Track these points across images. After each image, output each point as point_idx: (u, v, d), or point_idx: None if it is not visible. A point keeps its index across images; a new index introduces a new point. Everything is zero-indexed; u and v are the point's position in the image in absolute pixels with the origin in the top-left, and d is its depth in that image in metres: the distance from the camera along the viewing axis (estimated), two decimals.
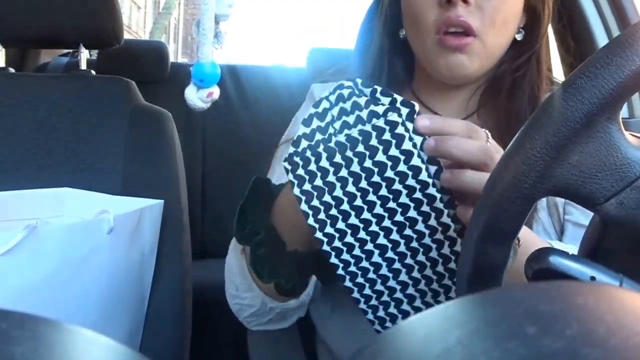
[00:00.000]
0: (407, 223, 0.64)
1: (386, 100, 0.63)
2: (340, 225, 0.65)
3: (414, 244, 0.65)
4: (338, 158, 0.64)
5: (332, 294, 0.90)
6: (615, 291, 0.33)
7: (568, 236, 0.85)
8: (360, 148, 0.63)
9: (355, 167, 0.63)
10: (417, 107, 0.64)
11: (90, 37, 1.35)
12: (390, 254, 0.66)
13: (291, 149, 0.67)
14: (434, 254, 0.65)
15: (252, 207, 0.78)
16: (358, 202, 0.64)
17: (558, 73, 0.98)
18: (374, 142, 0.62)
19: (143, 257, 1.09)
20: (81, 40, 1.36)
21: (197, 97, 0.77)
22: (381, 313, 0.70)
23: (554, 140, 0.43)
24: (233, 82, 2.29)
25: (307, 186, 0.65)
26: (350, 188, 0.64)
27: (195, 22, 0.76)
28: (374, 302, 0.69)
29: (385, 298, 0.69)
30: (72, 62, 2.25)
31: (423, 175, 0.62)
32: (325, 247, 0.67)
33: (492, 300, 0.30)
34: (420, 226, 0.64)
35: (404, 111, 0.63)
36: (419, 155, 0.62)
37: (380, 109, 0.63)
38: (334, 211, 0.65)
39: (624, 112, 1.24)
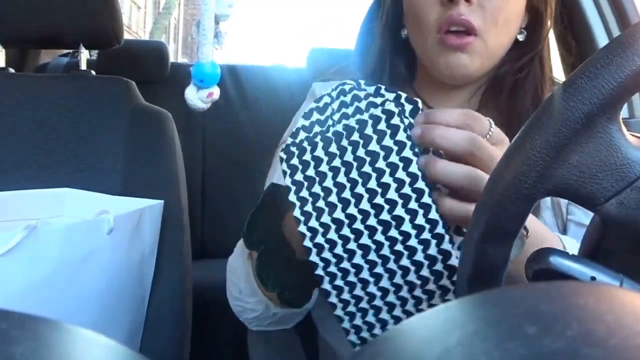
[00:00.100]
0: (394, 222, 0.62)
1: (390, 96, 0.63)
2: (326, 219, 0.64)
3: (399, 247, 0.63)
4: (333, 148, 0.63)
5: None
6: (616, 291, 0.33)
7: (571, 236, 0.85)
8: (355, 137, 0.62)
9: (349, 156, 0.62)
10: (420, 105, 0.64)
11: (90, 37, 1.35)
12: (372, 256, 0.63)
13: (289, 140, 0.67)
14: (419, 256, 0.63)
15: (264, 213, 0.77)
16: (346, 194, 0.62)
17: (558, 73, 0.98)
18: (369, 130, 0.62)
19: (143, 257, 1.09)
20: (81, 40, 1.36)
21: (197, 97, 0.77)
22: (358, 321, 0.67)
23: (554, 140, 0.43)
24: (233, 82, 2.29)
25: (299, 176, 0.65)
26: (341, 178, 0.63)
27: (196, 22, 0.76)
28: (351, 308, 0.66)
29: (364, 305, 0.66)
30: (72, 63, 2.25)
31: (413, 168, 0.61)
32: (308, 243, 0.65)
33: (492, 300, 0.30)
34: (406, 226, 0.62)
35: (408, 107, 0.63)
36: (411, 147, 0.61)
37: (378, 100, 0.63)
38: (321, 203, 0.64)
39: (624, 112, 1.24)
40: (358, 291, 0.65)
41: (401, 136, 0.61)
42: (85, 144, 1.27)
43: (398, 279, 0.64)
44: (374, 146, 0.61)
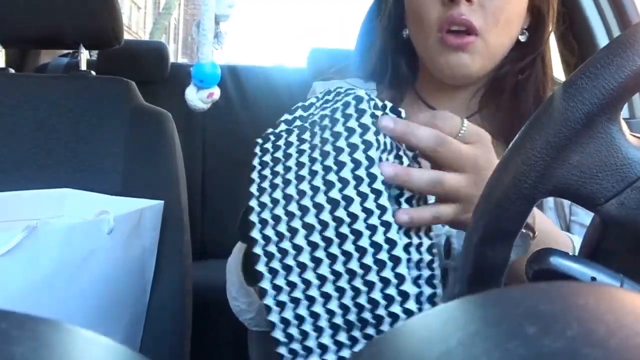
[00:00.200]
0: (349, 220, 0.60)
1: (372, 104, 0.63)
2: (280, 211, 0.62)
3: (344, 229, 0.60)
4: (307, 135, 0.64)
5: None
6: (616, 291, 0.33)
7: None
8: (327, 134, 0.62)
9: (316, 153, 0.62)
10: (403, 114, 0.64)
11: (90, 37, 1.35)
12: (316, 237, 0.61)
13: (269, 130, 0.67)
14: (364, 242, 0.60)
15: None
16: (304, 185, 0.61)
17: (558, 73, 0.98)
18: (339, 128, 0.61)
19: (143, 257, 1.09)
20: (81, 40, 1.36)
21: (197, 97, 0.77)
22: (288, 313, 0.64)
23: (554, 141, 0.43)
24: (233, 83, 2.29)
25: (267, 157, 0.65)
26: (304, 158, 0.62)
27: (196, 23, 0.76)
28: (283, 296, 0.63)
29: (297, 294, 0.63)
30: (72, 63, 2.25)
31: (375, 169, 0.60)
32: (256, 234, 0.63)
33: (492, 300, 0.30)
34: (355, 208, 0.60)
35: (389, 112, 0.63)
36: (377, 148, 0.60)
37: (353, 99, 0.63)
38: (278, 194, 0.63)
39: (624, 113, 1.24)
40: (294, 277, 0.62)
41: (370, 136, 0.60)
42: (85, 144, 1.27)
43: (339, 266, 0.61)
44: (341, 142, 0.61)
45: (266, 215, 0.63)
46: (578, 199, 0.46)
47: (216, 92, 0.78)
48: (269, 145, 0.66)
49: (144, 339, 1.13)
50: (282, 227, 0.62)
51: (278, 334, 0.63)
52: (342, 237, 0.60)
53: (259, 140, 0.67)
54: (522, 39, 0.89)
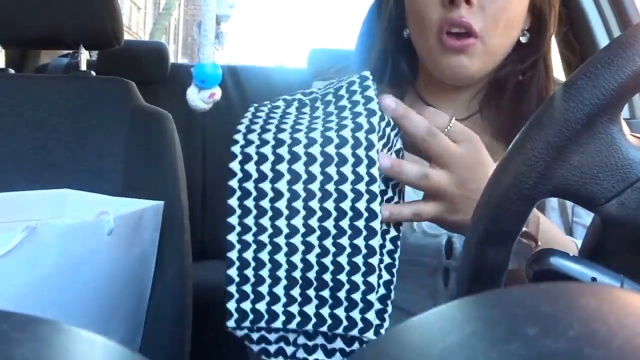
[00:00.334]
0: (337, 177, 0.60)
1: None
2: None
3: (330, 187, 0.60)
4: (306, 109, 0.65)
5: None
6: (617, 292, 0.33)
7: (577, 239, 0.84)
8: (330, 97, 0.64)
9: (319, 112, 0.64)
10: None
11: (90, 37, 1.35)
12: (298, 204, 0.60)
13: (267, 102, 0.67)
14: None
15: None
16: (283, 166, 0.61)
17: (558, 73, 0.98)
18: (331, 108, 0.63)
19: (143, 257, 1.09)
20: (81, 41, 1.36)
21: (198, 98, 0.77)
22: (248, 254, 0.62)
23: (554, 141, 0.43)
24: (234, 83, 2.29)
25: (255, 126, 0.65)
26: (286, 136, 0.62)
27: (197, 23, 0.76)
28: (248, 237, 0.62)
29: (262, 237, 0.62)
30: (72, 63, 2.25)
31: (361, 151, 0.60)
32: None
33: (492, 301, 0.30)
34: (345, 187, 0.60)
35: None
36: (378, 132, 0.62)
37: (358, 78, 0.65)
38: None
39: (624, 113, 1.24)
40: (264, 220, 0.61)
41: (362, 119, 0.61)
42: (85, 145, 1.27)
43: (313, 222, 0.61)
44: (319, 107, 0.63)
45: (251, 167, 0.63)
46: (578, 200, 0.46)
47: (217, 93, 0.78)
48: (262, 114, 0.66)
49: (144, 339, 1.13)
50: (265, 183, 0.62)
51: (232, 272, 0.62)
52: (326, 194, 0.61)
53: (251, 107, 0.68)
54: (523, 40, 0.88)
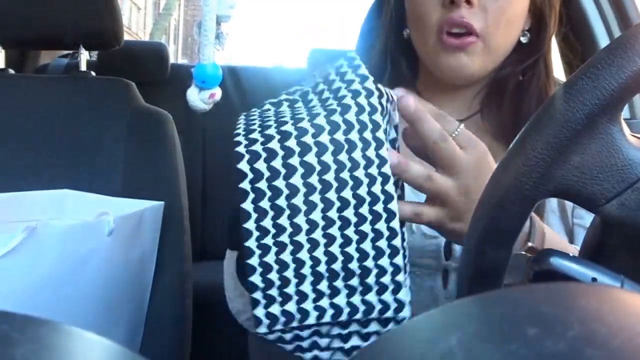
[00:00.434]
0: (350, 164, 0.59)
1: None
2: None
3: (345, 174, 0.59)
4: (299, 104, 0.64)
5: None
6: (617, 292, 0.33)
7: (579, 241, 0.84)
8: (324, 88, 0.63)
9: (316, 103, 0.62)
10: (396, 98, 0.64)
11: (90, 38, 1.35)
12: (315, 196, 0.59)
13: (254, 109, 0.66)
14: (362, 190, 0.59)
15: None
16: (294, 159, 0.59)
17: (558, 74, 0.98)
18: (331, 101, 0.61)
19: (143, 258, 1.09)
20: (81, 41, 1.36)
21: (199, 98, 0.77)
22: (270, 258, 0.60)
23: (555, 141, 0.43)
24: (234, 83, 2.29)
25: (256, 128, 0.63)
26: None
27: (197, 24, 0.76)
28: (267, 240, 0.60)
29: (283, 238, 0.60)
30: (72, 64, 2.25)
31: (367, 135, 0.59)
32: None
33: (493, 301, 0.30)
34: (359, 172, 0.59)
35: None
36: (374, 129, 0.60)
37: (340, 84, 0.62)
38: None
39: (625, 113, 1.23)
40: (282, 220, 0.59)
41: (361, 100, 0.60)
42: (85, 146, 1.27)
43: (332, 213, 0.59)
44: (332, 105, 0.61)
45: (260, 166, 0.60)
46: (579, 200, 0.46)
47: (218, 93, 0.78)
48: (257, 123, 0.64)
49: (144, 340, 1.13)
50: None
51: (255, 279, 0.60)
52: (342, 182, 0.59)
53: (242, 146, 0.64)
54: (524, 40, 0.88)
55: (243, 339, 1.09)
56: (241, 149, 0.61)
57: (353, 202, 0.59)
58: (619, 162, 0.44)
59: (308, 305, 0.61)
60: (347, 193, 0.59)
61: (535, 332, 0.26)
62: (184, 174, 1.30)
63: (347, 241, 0.60)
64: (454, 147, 0.64)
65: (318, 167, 0.59)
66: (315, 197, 0.59)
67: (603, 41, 1.26)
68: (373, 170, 0.59)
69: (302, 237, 0.60)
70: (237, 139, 0.62)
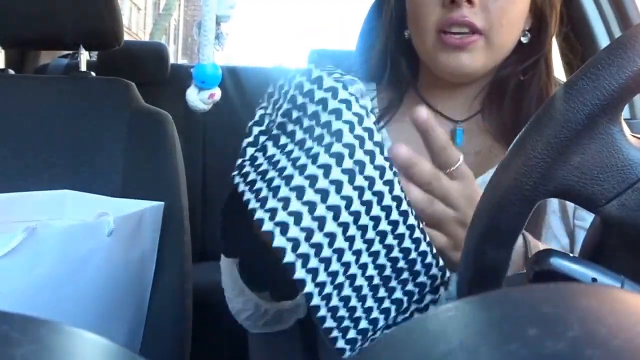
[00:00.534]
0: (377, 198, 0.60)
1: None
2: (284, 193, 0.59)
3: (370, 234, 0.60)
4: (283, 139, 0.63)
5: None
6: (617, 293, 0.33)
7: (580, 242, 0.84)
8: (294, 113, 0.62)
9: (299, 134, 0.61)
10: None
11: (90, 38, 1.35)
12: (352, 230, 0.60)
13: (239, 160, 0.66)
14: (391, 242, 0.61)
15: (234, 216, 0.73)
16: (298, 181, 0.59)
17: (558, 74, 0.98)
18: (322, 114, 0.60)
19: (143, 258, 1.09)
20: (81, 41, 1.36)
21: (198, 98, 0.77)
22: (334, 301, 0.62)
23: (555, 142, 0.43)
24: (233, 84, 2.29)
25: (252, 176, 0.63)
26: (297, 153, 0.61)
27: (197, 24, 0.76)
28: (328, 289, 0.61)
29: (340, 279, 0.62)
30: (72, 64, 2.25)
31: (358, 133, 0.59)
32: (268, 226, 0.59)
33: (493, 302, 0.30)
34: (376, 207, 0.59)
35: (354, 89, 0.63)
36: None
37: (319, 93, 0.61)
38: (277, 182, 0.60)
39: (625, 113, 1.23)
40: (334, 265, 0.61)
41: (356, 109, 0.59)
42: (85, 146, 1.27)
43: (370, 233, 0.61)
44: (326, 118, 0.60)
45: (283, 214, 0.59)
46: (579, 200, 0.46)
47: (217, 93, 0.78)
48: (248, 169, 0.65)
49: (145, 340, 1.13)
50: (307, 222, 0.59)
51: (330, 323, 0.62)
52: (368, 204, 0.59)
53: (238, 179, 0.66)
54: (524, 40, 0.88)
55: (243, 339, 1.09)
56: (269, 227, 0.59)
57: (383, 214, 0.60)
58: (619, 162, 0.44)
59: (375, 314, 0.64)
60: (375, 210, 0.60)
61: (536, 332, 0.26)
62: (184, 174, 1.30)
63: (389, 249, 0.62)
64: (448, 182, 0.65)
65: (343, 203, 0.59)
66: (353, 230, 0.60)
67: (603, 41, 1.26)
68: (388, 175, 0.60)
69: (354, 269, 0.61)
70: (258, 216, 0.59)
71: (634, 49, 0.42)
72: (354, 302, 0.63)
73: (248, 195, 0.62)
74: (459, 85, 0.90)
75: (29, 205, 1.09)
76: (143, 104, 1.35)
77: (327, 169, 0.58)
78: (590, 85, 0.42)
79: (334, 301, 0.62)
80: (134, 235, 1.03)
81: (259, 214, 0.59)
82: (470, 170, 0.76)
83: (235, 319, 0.91)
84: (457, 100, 0.92)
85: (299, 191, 0.58)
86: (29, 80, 1.43)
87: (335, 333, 0.63)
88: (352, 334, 0.64)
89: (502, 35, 0.83)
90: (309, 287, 0.59)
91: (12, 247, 0.78)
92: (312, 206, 0.58)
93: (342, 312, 0.63)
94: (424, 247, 0.63)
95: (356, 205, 0.59)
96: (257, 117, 0.67)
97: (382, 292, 0.63)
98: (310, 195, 0.58)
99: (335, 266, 0.60)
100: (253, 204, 0.61)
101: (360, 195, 0.59)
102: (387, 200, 0.60)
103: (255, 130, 0.67)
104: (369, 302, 0.63)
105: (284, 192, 0.59)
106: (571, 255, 0.46)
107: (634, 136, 0.45)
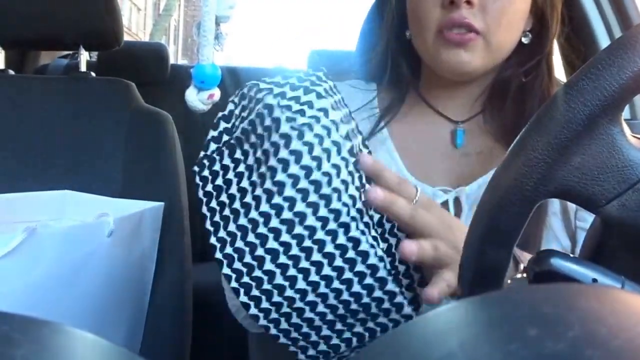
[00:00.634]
0: (297, 219, 0.59)
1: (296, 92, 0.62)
2: (232, 227, 0.62)
3: (307, 243, 0.60)
4: (238, 154, 0.63)
5: None
6: (617, 293, 0.33)
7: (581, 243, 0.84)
8: (252, 139, 0.62)
9: (251, 160, 0.62)
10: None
11: (90, 38, 1.35)
12: (282, 259, 0.60)
13: (201, 153, 0.67)
14: (329, 247, 0.60)
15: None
16: (248, 198, 0.61)
17: (559, 74, 0.98)
18: (267, 121, 0.61)
19: (143, 259, 1.09)
20: (81, 41, 1.36)
21: (197, 98, 0.77)
22: (284, 325, 0.64)
23: (555, 142, 0.43)
24: (233, 84, 2.28)
25: (209, 187, 0.65)
26: (244, 183, 0.62)
27: (196, 24, 0.76)
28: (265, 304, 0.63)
29: (285, 309, 0.63)
30: (72, 64, 2.25)
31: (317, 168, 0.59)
32: (218, 255, 0.63)
33: (493, 302, 0.30)
34: (310, 220, 0.59)
35: (323, 87, 0.63)
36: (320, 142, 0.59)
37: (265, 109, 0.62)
38: (227, 211, 0.63)
39: (625, 114, 1.23)
40: (275, 297, 0.62)
41: (285, 128, 0.59)
42: (85, 146, 1.27)
43: (313, 276, 0.61)
44: (266, 144, 0.60)
45: (228, 250, 0.63)
46: (579, 201, 0.46)
47: (216, 94, 0.78)
48: (206, 173, 0.66)
49: (145, 341, 1.13)
50: (248, 258, 0.62)
51: (283, 340, 0.65)
52: (305, 250, 0.60)
53: (196, 169, 0.67)
54: (525, 41, 0.88)
55: (243, 339, 1.09)
56: (219, 255, 0.64)
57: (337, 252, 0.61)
58: (619, 162, 0.44)
59: (335, 341, 0.65)
60: (330, 247, 0.60)
61: (536, 332, 0.26)
62: (184, 174, 1.30)
63: (339, 293, 0.62)
64: (424, 214, 0.65)
65: (294, 241, 0.60)
66: (293, 271, 0.61)
67: (604, 42, 1.26)
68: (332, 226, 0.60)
69: (300, 304, 0.62)
70: (211, 241, 0.64)
71: (635, 49, 0.42)
72: (305, 329, 0.64)
73: (204, 209, 0.65)
74: (460, 85, 0.90)
75: (29, 206, 1.09)
76: (143, 104, 1.35)
77: (278, 209, 0.59)
78: (591, 86, 0.42)
79: (283, 325, 0.63)
80: (134, 236, 1.03)
81: (212, 239, 0.63)
82: (470, 171, 0.76)
83: (236, 318, 0.91)
84: (458, 101, 0.92)
85: (243, 231, 0.61)
86: (29, 81, 1.43)
87: (292, 349, 0.65)
88: (312, 352, 0.65)
89: (501, 35, 0.83)
90: (253, 311, 0.62)
91: (12, 248, 0.78)
92: (252, 247, 0.61)
93: (295, 334, 0.64)
94: (377, 293, 0.62)
95: (307, 242, 0.60)
96: (226, 111, 0.67)
97: (339, 325, 0.64)
98: (251, 237, 0.61)
99: (277, 299, 0.62)
100: (207, 225, 0.64)
101: (311, 235, 0.60)
102: (342, 240, 0.60)
103: (222, 125, 0.67)
104: (325, 332, 0.64)
105: (231, 227, 0.62)
106: (571, 255, 0.46)
107: (634, 137, 0.45)
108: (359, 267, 0.61)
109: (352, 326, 0.64)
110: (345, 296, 0.61)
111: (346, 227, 0.59)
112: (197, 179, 0.66)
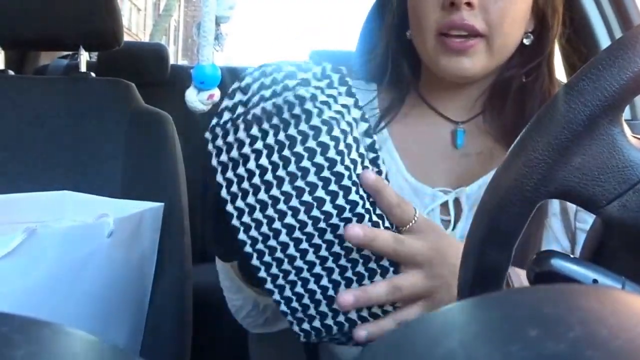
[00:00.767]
0: (315, 203, 0.62)
1: (314, 76, 0.65)
2: (251, 199, 0.64)
3: (322, 224, 0.63)
4: (254, 130, 0.64)
5: None
6: (618, 294, 0.33)
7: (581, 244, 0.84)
8: (275, 120, 0.63)
9: (271, 139, 0.63)
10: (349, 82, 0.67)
11: (90, 39, 1.35)
12: (297, 233, 0.63)
13: (214, 120, 0.68)
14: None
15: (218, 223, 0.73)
16: (269, 176, 0.63)
17: (559, 74, 0.98)
18: (286, 115, 0.62)
19: (143, 259, 1.09)
20: (81, 42, 1.36)
21: (197, 99, 0.77)
22: (287, 293, 0.67)
23: (556, 143, 0.43)
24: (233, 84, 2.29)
25: (224, 157, 0.66)
26: (263, 161, 0.63)
27: (196, 24, 0.76)
28: (280, 281, 0.66)
29: (292, 277, 0.66)
30: (72, 64, 2.25)
31: (331, 152, 0.61)
32: (235, 222, 0.65)
33: (493, 303, 0.30)
34: (327, 206, 0.62)
35: (335, 78, 0.66)
36: (328, 132, 0.61)
37: (292, 82, 0.64)
38: (245, 184, 0.64)
39: (626, 114, 1.23)
40: (285, 265, 0.65)
41: (316, 121, 0.61)
42: (85, 147, 1.27)
43: (323, 252, 0.64)
44: (292, 130, 0.62)
45: (246, 219, 0.65)
46: (579, 201, 0.46)
47: (216, 94, 0.78)
48: (220, 143, 0.67)
49: (145, 341, 1.13)
50: (265, 229, 0.64)
51: (283, 308, 0.67)
52: (320, 230, 0.63)
53: (208, 136, 0.68)
54: (527, 42, 0.88)
55: (243, 339, 1.09)
56: (236, 223, 0.66)
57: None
58: (620, 163, 0.44)
59: (329, 320, 0.67)
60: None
61: (536, 333, 0.26)
62: (184, 174, 1.30)
63: (344, 269, 0.65)
64: (411, 243, 0.63)
65: (310, 221, 0.63)
66: (317, 240, 0.64)
67: (604, 42, 1.26)
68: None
69: (318, 273, 0.65)
70: (228, 209, 0.66)
71: (635, 50, 0.42)
72: (306, 300, 0.66)
73: (219, 178, 0.66)
74: (461, 86, 0.90)
75: (29, 206, 1.08)
76: (143, 105, 1.35)
77: (300, 192, 0.62)
78: (591, 86, 0.42)
79: (287, 293, 0.66)
80: (134, 236, 1.03)
81: (229, 207, 0.65)
82: (470, 172, 0.75)
83: (235, 318, 0.91)
84: (459, 102, 0.92)
85: (262, 205, 0.64)
86: (28, 81, 1.43)
87: (289, 318, 0.67)
88: (306, 326, 0.67)
89: (503, 37, 0.83)
90: (262, 274, 0.66)
91: (12, 248, 0.78)
92: (270, 220, 0.64)
93: (295, 304, 0.66)
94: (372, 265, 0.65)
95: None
96: (242, 84, 0.68)
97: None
98: (270, 211, 0.63)
99: (286, 267, 0.65)
100: (224, 193, 0.66)
101: (326, 220, 0.63)
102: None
103: (238, 96, 0.68)
104: (323, 308, 0.66)
105: (250, 199, 0.64)
106: (572, 256, 0.46)
107: (635, 137, 0.45)
108: (367, 252, 0.63)
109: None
110: (349, 274, 0.64)
111: (360, 217, 0.62)
112: (210, 147, 0.68)
